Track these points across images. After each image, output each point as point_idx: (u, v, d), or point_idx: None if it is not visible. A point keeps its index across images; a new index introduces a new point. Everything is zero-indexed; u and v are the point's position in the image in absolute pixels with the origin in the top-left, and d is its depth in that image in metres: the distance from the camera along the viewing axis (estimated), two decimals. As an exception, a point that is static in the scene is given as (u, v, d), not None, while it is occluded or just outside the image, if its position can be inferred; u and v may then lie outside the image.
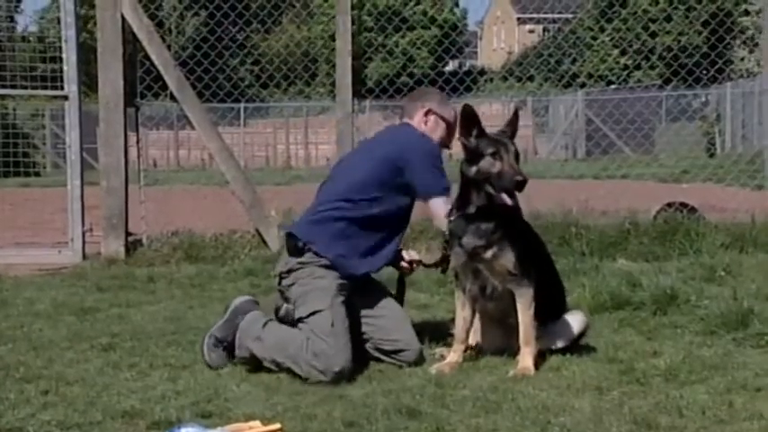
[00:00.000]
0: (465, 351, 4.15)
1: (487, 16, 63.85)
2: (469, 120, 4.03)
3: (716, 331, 4.52)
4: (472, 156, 3.99)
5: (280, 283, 4.24)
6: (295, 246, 4.17)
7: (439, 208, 4.21)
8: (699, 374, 3.81)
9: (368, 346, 4.17)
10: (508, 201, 3.93)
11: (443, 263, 4.39)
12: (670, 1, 30.19)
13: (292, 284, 4.14)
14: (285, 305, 4.17)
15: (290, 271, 4.17)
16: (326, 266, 4.11)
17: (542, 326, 4.09)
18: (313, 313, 4.00)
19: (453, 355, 4.11)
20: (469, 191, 4.01)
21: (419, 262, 4.46)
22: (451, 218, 4.10)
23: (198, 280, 6.50)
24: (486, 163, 3.94)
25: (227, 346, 4.10)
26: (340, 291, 4.08)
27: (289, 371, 3.92)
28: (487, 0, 60.67)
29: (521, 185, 3.93)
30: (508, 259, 4.00)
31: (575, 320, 4.23)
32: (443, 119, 4.40)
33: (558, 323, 4.20)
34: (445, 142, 4.45)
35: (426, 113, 4.39)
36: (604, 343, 4.36)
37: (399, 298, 4.48)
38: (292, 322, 4.09)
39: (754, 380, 3.73)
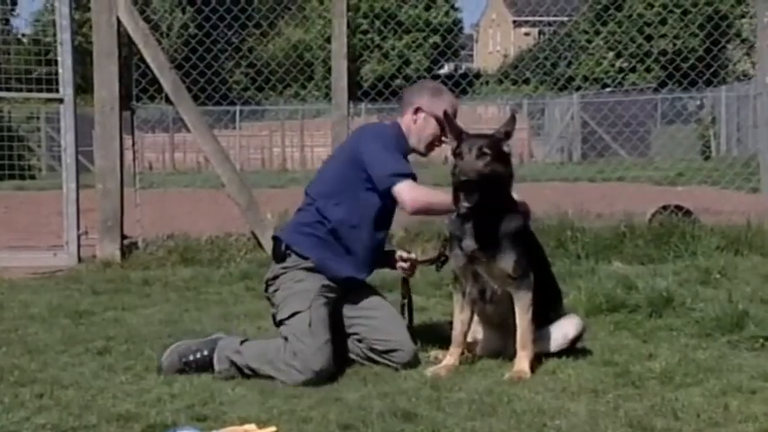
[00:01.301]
0: (462, 354, 4.15)
1: (483, 19, 63.97)
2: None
3: (711, 334, 4.53)
4: (453, 157, 4.02)
5: (267, 290, 4.27)
6: (279, 250, 4.21)
7: (401, 193, 4.07)
8: (694, 377, 3.82)
9: (362, 347, 4.17)
10: (464, 204, 3.87)
11: (439, 259, 4.38)
12: (665, 4, 30.21)
13: (277, 290, 4.18)
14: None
15: (275, 277, 4.21)
16: (309, 269, 4.13)
17: (538, 329, 4.09)
18: (292, 315, 4.02)
19: (450, 358, 4.10)
20: (457, 193, 4.00)
21: (415, 260, 4.44)
22: (450, 219, 4.10)
23: (193, 283, 6.50)
24: (454, 163, 3.96)
25: (194, 362, 4.03)
26: (322, 292, 4.09)
27: (269, 378, 3.91)
28: (483, 3, 60.78)
29: (462, 185, 3.86)
30: (507, 263, 4.00)
31: (570, 324, 4.23)
32: (433, 116, 4.25)
33: (554, 326, 4.19)
34: (438, 139, 4.30)
35: (416, 111, 4.30)
36: (600, 346, 4.36)
37: (409, 307, 4.47)
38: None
39: (749, 382, 3.73)
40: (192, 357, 4.04)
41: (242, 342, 4.07)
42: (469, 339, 4.23)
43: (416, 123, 4.31)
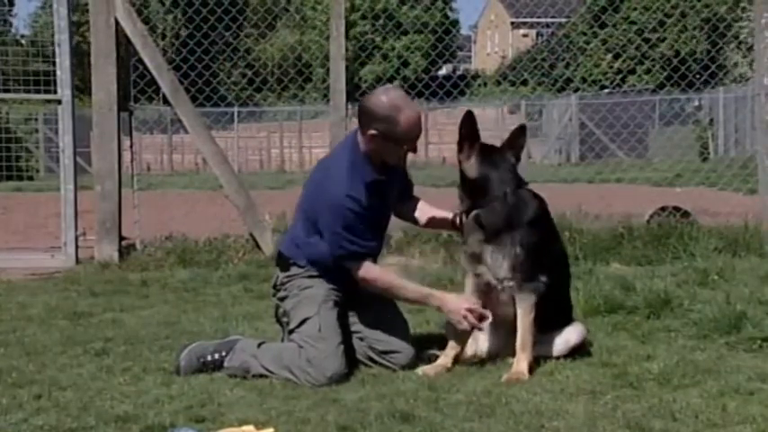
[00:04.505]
0: (457, 357, 4.12)
1: (481, 20, 64.05)
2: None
3: (709, 335, 4.53)
4: None
5: (275, 296, 4.30)
6: (282, 261, 4.24)
7: (357, 272, 4.01)
8: (692, 378, 3.82)
9: (362, 345, 4.17)
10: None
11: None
12: (662, 7, 30.24)
13: (285, 297, 4.20)
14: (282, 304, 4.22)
15: (282, 284, 4.23)
16: (313, 276, 4.14)
17: (543, 333, 4.07)
18: (302, 322, 4.05)
19: (443, 358, 4.09)
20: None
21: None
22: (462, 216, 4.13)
23: (191, 284, 6.49)
24: None
25: (212, 363, 4.07)
26: (329, 297, 4.11)
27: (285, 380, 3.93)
28: (481, 4, 60.86)
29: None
30: (506, 262, 3.98)
31: (574, 331, 4.19)
32: (392, 139, 3.98)
33: (558, 332, 4.17)
34: (407, 149, 4.07)
35: (371, 138, 3.99)
36: (598, 347, 4.36)
37: None
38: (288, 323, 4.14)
39: (747, 384, 3.73)
40: (209, 358, 4.07)
41: (259, 345, 4.10)
42: (470, 353, 4.19)
43: (373, 147, 4.02)
